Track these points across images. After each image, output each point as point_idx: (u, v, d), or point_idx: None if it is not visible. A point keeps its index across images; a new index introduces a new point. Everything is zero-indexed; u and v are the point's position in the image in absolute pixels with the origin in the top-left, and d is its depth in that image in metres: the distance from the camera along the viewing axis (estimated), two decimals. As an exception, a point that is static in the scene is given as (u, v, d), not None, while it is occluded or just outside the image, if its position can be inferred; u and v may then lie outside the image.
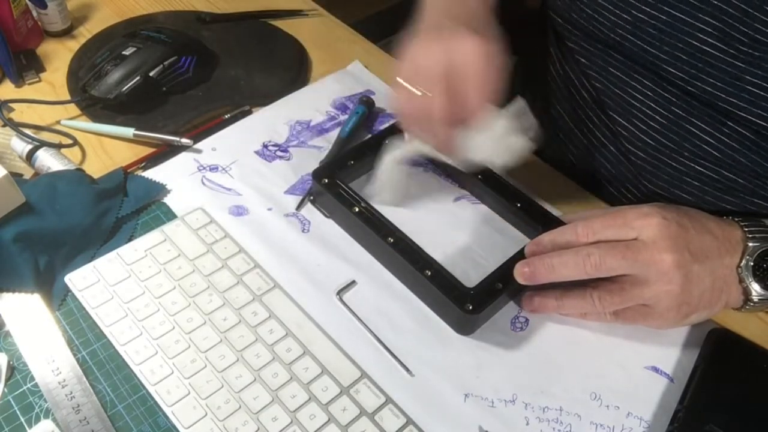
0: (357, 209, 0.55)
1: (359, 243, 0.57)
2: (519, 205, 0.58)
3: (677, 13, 0.53)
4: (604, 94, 0.65)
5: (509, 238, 0.58)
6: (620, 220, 0.48)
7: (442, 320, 0.52)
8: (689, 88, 0.55)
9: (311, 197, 0.59)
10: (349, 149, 0.62)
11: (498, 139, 0.51)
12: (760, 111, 0.52)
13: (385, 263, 0.55)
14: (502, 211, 0.60)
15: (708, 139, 0.58)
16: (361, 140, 0.66)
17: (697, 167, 0.60)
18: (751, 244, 0.49)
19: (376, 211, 0.55)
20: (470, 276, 0.54)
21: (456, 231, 0.58)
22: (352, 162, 0.60)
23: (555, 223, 0.55)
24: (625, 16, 0.57)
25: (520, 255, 0.53)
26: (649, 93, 0.61)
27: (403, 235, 0.53)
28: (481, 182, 0.59)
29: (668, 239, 0.47)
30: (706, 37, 0.52)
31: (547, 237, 0.51)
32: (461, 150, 0.52)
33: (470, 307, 0.49)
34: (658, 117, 0.61)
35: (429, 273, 0.51)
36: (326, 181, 0.57)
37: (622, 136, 0.65)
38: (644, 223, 0.48)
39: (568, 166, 0.69)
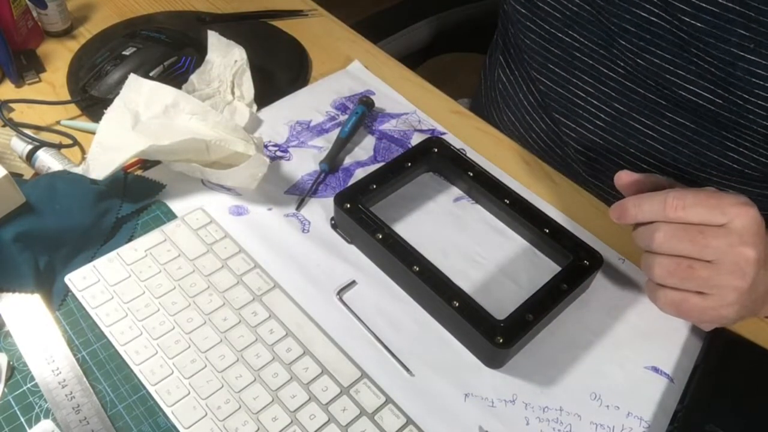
0: (380, 235, 0.53)
1: (383, 270, 0.55)
2: (547, 231, 0.55)
3: None
4: (548, 96, 0.66)
5: (509, 239, 0.58)
6: (714, 201, 0.44)
7: (471, 353, 0.50)
8: (638, 60, 0.56)
9: (333, 222, 0.58)
10: (371, 173, 0.59)
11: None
12: (705, 83, 0.53)
13: (410, 291, 0.53)
14: (533, 239, 0.57)
15: (650, 133, 0.59)
16: (360, 137, 0.66)
17: (643, 165, 0.61)
18: None
19: (400, 237, 0.53)
20: (471, 276, 0.55)
21: (456, 231, 0.58)
22: (374, 186, 0.57)
23: (584, 251, 0.53)
24: None
25: (550, 286, 0.51)
26: (590, 89, 0.61)
27: (429, 263, 0.51)
28: (511, 208, 0.57)
29: (756, 236, 0.44)
30: (651, 7, 0.53)
31: (633, 201, 0.47)
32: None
33: (501, 341, 0.47)
34: (601, 114, 0.62)
35: (457, 304, 0.49)
36: (348, 206, 0.55)
37: (570, 138, 0.66)
38: (739, 212, 0.44)
39: None
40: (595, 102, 0.61)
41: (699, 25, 0.50)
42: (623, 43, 0.56)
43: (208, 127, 0.58)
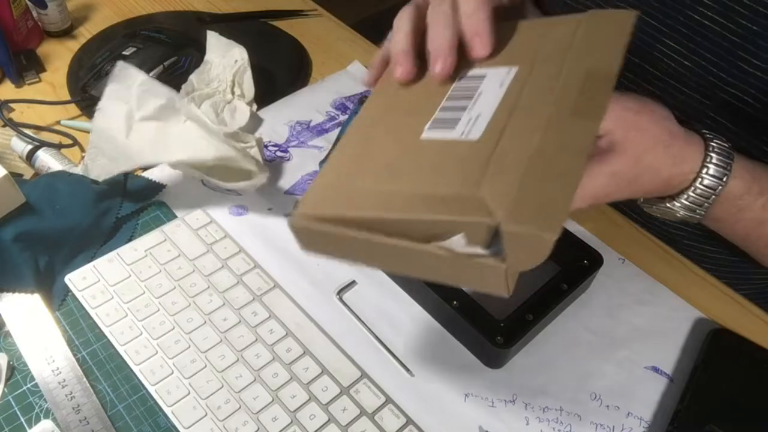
0: None
1: (382, 271, 0.54)
2: None
3: None
4: None
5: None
6: None
7: (471, 353, 0.50)
8: (685, 62, 0.56)
9: None
10: None
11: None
12: (746, 86, 0.53)
13: (410, 291, 0.53)
14: None
15: None
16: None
17: None
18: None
19: None
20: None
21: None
22: None
23: (584, 251, 0.53)
24: None
25: (550, 286, 0.50)
26: (635, 87, 0.61)
27: None
28: None
29: None
30: (705, 11, 0.53)
31: None
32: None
33: (501, 341, 0.47)
34: None
35: (457, 304, 0.49)
36: None
37: None
38: None
39: None
40: None
41: (754, 28, 0.50)
42: (671, 43, 0.56)
43: (205, 133, 0.57)
